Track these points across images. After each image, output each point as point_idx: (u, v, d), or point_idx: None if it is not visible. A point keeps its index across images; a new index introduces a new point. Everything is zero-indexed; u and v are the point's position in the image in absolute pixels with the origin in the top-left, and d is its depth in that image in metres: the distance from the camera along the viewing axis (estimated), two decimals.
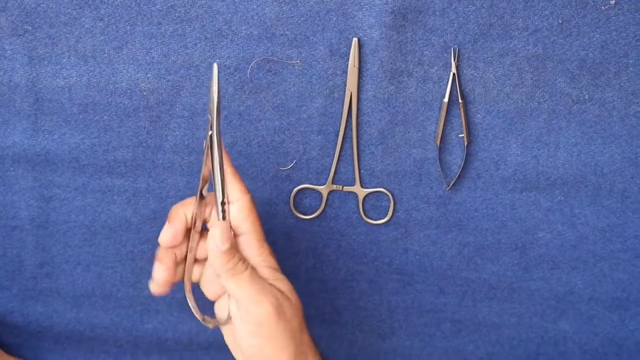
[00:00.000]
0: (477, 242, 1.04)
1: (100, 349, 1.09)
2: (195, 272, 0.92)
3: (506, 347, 1.09)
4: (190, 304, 0.91)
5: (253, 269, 0.87)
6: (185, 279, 0.91)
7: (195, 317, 1.07)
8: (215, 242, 0.85)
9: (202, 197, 0.89)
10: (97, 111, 0.99)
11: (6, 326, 1.08)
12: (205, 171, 0.88)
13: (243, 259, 0.87)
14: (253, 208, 0.90)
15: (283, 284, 0.90)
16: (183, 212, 0.89)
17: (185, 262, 0.91)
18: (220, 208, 0.86)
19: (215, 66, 0.82)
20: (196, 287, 0.92)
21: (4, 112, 0.99)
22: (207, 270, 0.92)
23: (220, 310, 0.92)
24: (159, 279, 0.89)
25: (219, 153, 0.85)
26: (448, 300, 1.07)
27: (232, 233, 0.87)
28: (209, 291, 0.93)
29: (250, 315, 0.86)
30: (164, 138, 0.99)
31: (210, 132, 0.85)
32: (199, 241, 0.91)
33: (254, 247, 0.90)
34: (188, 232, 0.90)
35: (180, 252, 0.90)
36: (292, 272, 1.04)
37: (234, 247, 0.86)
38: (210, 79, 0.86)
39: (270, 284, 0.88)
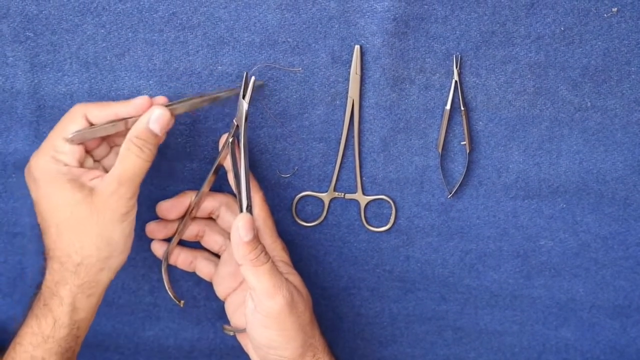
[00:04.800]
0: (479, 249, 1.04)
1: (102, 355, 1.09)
2: (203, 268, 1.00)
3: (508, 355, 1.09)
4: (164, 280, 0.99)
5: (273, 263, 0.91)
6: (165, 257, 0.99)
7: (196, 322, 1.07)
8: (239, 233, 0.89)
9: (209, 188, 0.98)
10: None
11: (8, 333, 1.07)
12: (216, 165, 0.97)
13: (265, 252, 0.91)
14: (265, 205, 0.97)
15: (295, 279, 0.95)
16: (190, 198, 0.99)
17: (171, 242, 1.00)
18: (245, 210, 0.92)
19: (252, 79, 0.92)
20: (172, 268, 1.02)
21: (5, 119, 0.99)
22: (220, 269, 0.99)
23: (230, 307, 0.98)
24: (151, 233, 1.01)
25: (245, 160, 0.93)
26: (450, 307, 1.07)
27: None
28: (219, 289, 0.99)
29: (263, 307, 0.90)
30: (165, 145, 0.99)
31: (231, 138, 0.95)
32: (188, 226, 0.99)
33: (266, 243, 0.96)
34: (184, 216, 0.99)
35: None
36: None
37: (257, 239, 0.90)
38: (242, 87, 0.93)
39: (285, 279, 0.92)
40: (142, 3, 0.95)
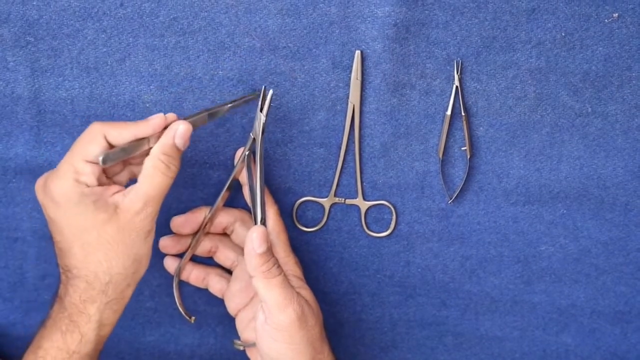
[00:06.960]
0: (480, 255, 1.04)
1: None
2: (215, 284, 1.01)
3: None
4: (175, 296, 1.00)
5: (285, 276, 0.92)
6: (177, 273, 1.00)
7: (196, 327, 1.07)
8: (252, 244, 0.90)
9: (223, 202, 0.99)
10: None
11: (8, 338, 1.07)
12: (231, 180, 0.97)
13: (277, 264, 0.91)
14: (279, 219, 0.98)
15: (307, 293, 0.95)
16: (204, 213, 0.99)
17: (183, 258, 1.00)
18: (259, 223, 0.93)
19: (270, 92, 0.93)
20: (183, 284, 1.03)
21: (6, 123, 0.99)
22: (232, 285, 1.00)
23: (241, 323, 0.98)
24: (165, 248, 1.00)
25: (260, 173, 0.94)
26: (450, 313, 1.07)
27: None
28: (231, 305, 1.00)
29: (273, 320, 0.91)
30: None
31: (247, 152, 0.95)
32: (201, 242, 0.99)
33: (279, 256, 0.96)
34: (197, 232, 0.99)
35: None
36: None
37: (270, 251, 0.91)
38: (260, 101, 0.93)
39: (297, 293, 0.92)
40: (142, 8, 0.95)
